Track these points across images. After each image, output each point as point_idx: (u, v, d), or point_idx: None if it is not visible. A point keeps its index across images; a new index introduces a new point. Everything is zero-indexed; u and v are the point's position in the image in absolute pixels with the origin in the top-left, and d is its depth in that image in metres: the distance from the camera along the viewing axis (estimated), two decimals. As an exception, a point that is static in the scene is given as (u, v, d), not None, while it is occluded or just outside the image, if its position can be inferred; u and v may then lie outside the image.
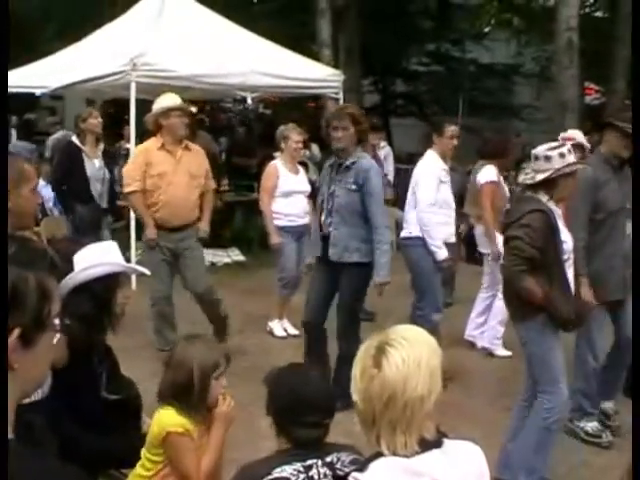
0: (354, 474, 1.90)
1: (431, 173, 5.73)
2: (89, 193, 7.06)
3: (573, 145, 4.52)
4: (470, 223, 6.99)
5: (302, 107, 15.27)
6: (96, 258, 2.95)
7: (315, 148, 11.06)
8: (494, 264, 6.04)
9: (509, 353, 6.20)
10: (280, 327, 6.83)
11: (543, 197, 3.96)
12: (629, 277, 4.45)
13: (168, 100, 5.83)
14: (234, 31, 9.64)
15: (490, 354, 6.39)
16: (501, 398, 5.32)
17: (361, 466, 1.92)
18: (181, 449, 2.71)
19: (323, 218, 5.16)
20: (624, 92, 11.90)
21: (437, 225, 5.64)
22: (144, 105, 6.95)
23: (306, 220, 6.65)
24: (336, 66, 11.41)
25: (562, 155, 3.94)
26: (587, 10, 16.26)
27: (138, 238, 7.02)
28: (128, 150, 8.47)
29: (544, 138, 4.78)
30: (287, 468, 2.25)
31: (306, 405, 2.33)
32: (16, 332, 1.33)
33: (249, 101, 9.65)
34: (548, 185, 3.94)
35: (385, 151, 9.44)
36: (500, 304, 5.72)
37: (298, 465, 2.26)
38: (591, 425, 4.79)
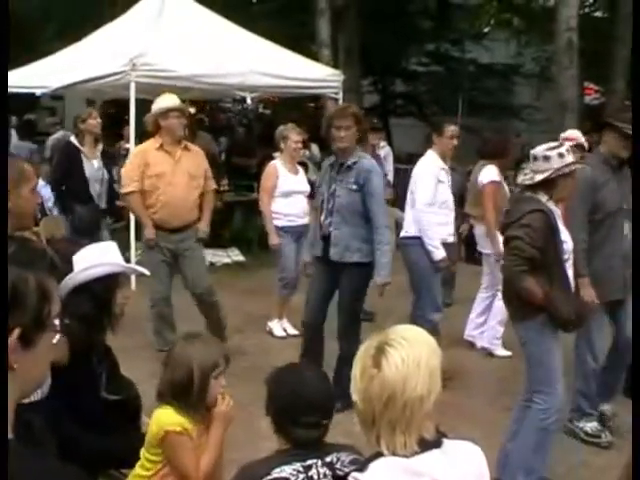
0: (354, 474, 1.90)
1: (429, 173, 5.73)
2: (88, 193, 7.05)
3: (574, 145, 4.52)
4: (470, 223, 6.99)
5: (301, 107, 15.27)
6: (96, 258, 2.95)
7: (315, 148, 11.06)
8: (494, 264, 6.04)
9: (509, 353, 6.21)
10: (280, 327, 6.83)
11: (542, 197, 3.95)
12: (629, 277, 4.45)
13: (167, 101, 5.83)
14: (233, 31, 9.65)
15: (490, 354, 6.40)
16: (501, 398, 5.32)
17: (361, 466, 1.92)
18: (179, 448, 2.71)
19: (323, 218, 5.16)
20: (624, 92, 11.90)
21: (435, 225, 5.64)
22: (144, 105, 6.95)
23: (306, 220, 6.65)
24: (335, 66, 11.41)
25: (561, 155, 3.94)
26: (587, 10, 16.27)
27: (137, 238, 7.02)
28: (128, 150, 8.46)
29: (544, 138, 4.78)
30: (286, 468, 2.25)
31: (305, 405, 2.32)
32: (16, 332, 1.33)
33: (248, 101, 9.65)
34: (547, 185, 3.94)
35: (385, 151, 9.46)
36: (500, 304, 5.72)
37: (298, 465, 2.26)
38: (590, 425, 4.79)
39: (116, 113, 12.73)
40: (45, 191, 7.84)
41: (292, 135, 6.81)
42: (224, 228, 9.86)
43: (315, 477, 2.27)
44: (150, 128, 5.89)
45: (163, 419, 2.72)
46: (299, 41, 12.70)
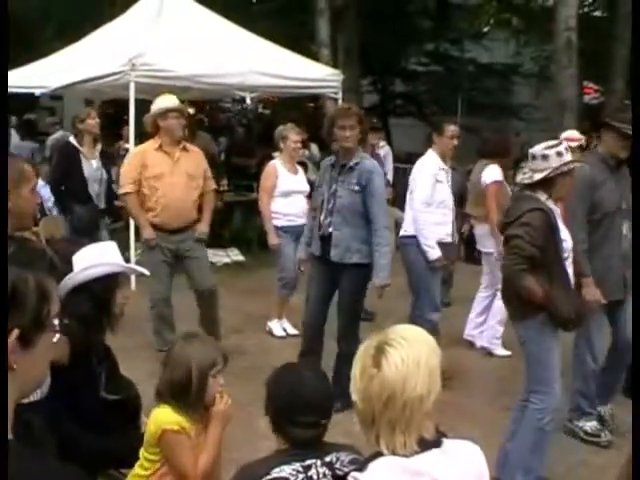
0: (353, 474, 1.90)
1: (427, 172, 5.72)
2: (87, 194, 7.05)
3: (576, 147, 4.50)
4: (471, 223, 6.98)
5: (301, 107, 15.27)
6: (95, 258, 2.95)
7: (314, 148, 11.06)
8: (494, 263, 6.04)
9: (508, 353, 6.20)
10: (279, 327, 6.83)
11: (542, 196, 3.95)
12: (628, 277, 4.45)
13: (166, 101, 5.83)
14: (233, 31, 9.64)
15: (489, 354, 6.40)
16: (500, 398, 5.32)
17: (360, 466, 1.92)
18: (177, 447, 2.71)
19: (322, 218, 5.15)
20: (623, 92, 11.89)
21: (432, 225, 5.62)
22: (143, 105, 6.95)
23: (305, 220, 6.65)
24: (335, 66, 11.41)
25: (559, 154, 3.93)
26: (586, 10, 16.25)
27: (137, 238, 7.02)
28: (127, 150, 8.46)
29: (543, 137, 4.77)
30: (286, 468, 2.25)
31: (304, 405, 2.32)
32: (15, 332, 1.33)
33: (248, 101, 9.64)
34: (546, 184, 3.94)
35: (384, 150, 9.46)
36: (499, 304, 5.72)
37: (297, 465, 2.26)
38: (590, 425, 4.79)
39: (115, 113, 12.73)
40: (45, 191, 7.83)
41: (291, 135, 6.81)
42: (224, 228, 9.86)
43: (314, 477, 2.27)
44: (149, 129, 5.89)
45: (161, 418, 2.72)
46: (298, 41, 12.69)
